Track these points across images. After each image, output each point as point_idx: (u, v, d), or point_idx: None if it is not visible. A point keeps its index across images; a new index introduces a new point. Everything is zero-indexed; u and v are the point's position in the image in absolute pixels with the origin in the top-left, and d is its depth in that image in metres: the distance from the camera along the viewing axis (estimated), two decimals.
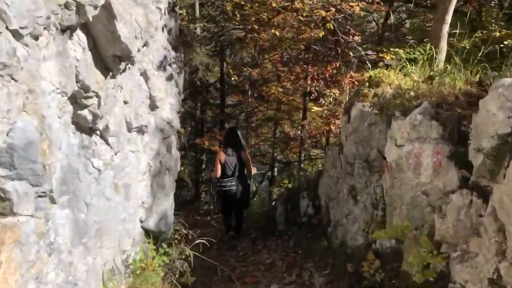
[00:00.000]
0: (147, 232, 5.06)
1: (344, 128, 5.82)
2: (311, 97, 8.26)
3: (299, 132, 17.58)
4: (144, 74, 4.57)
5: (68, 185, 3.35)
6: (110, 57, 3.65)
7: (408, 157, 4.24)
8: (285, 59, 16.53)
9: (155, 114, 4.92)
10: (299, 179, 8.54)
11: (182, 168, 9.59)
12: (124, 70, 4.04)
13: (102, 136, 4.01)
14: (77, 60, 3.33)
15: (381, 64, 6.24)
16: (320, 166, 14.23)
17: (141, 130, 4.64)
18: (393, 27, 12.16)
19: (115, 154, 4.15)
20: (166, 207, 5.25)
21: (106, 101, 3.79)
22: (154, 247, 4.95)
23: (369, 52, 10.62)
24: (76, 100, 3.54)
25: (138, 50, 3.77)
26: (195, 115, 18.00)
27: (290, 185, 18.27)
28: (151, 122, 4.84)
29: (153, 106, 4.84)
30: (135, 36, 3.61)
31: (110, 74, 3.81)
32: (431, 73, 4.89)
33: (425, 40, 6.55)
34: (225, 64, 17.55)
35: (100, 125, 3.84)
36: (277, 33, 9.49)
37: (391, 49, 8.41)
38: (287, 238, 7.36)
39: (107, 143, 4.05)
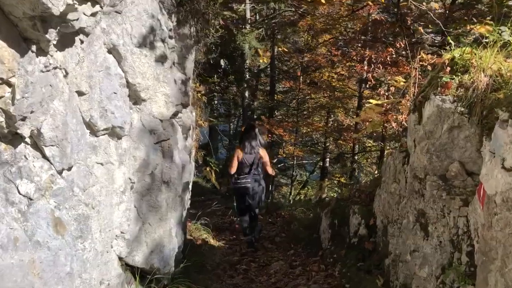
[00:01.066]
0: (132, 271, 3.56)
1: (412, 130, 4.03)
2: (369, 85, 6.44)
3: (353, 121, 16.00)
4: (114, 52, 3.00)
5: None
6: (24, 19, 2.10)
7: None
8: (340, 43, 14.91)
9: (140, 110, 3.36)
10: (350, 187, 6.76)
11: (207, 168, 8.11)
12: (69, 44, 2.48)
13: (35, 146, 2.49)
14: None
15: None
16: (375, 170, 12.34)
17: (114, 133, 3.10)
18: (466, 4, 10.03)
19: (60, 172, 2.62)
20: (162, 235, 3.71)
21: (30, 92, 2.25)
22: None
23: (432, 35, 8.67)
24: None
25: (74, 8, 2.19)
26: (242, 102, 16.49)
27: (342, 179, 16.54)
28: (133, 120, 3.29)
29: (135, 99, 3.28)
30: None
31: (34, 48, 2.26)
32: None
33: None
34: (276, 49, 15.98)
35: (25, 129, 2.32)
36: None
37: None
38: (332, 261, 5.67)
39: (44, 156, 2.52)
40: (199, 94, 5.40)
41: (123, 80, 3.08)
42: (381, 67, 8.94)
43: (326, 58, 16.25)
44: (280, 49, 17.14)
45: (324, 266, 5.66)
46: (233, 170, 6.57)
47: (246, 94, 15.99)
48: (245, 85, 13.94)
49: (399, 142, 8.89)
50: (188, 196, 5.33)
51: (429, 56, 4.53)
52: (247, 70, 15.37)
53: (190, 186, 5.82)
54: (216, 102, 13.76)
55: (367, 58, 11.33)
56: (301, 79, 16.94)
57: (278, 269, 5.82)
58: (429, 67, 4.35)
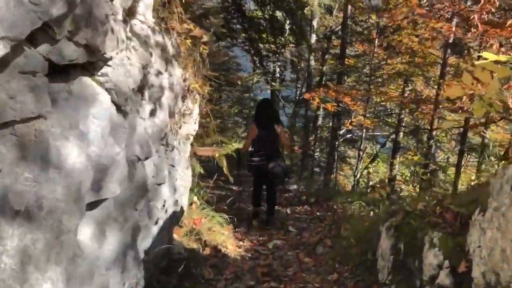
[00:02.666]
0: None
1: None
2: (471, 30, 3.90)
3: (433, 92, 13.23)
4: None
5: None
6: None
7: None
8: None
9: None
10: (427, 198, 4.27)
11: (216, 154, 5.93)
12: None
13: None
14: None
15: None
16: (455, 146, 9.68)
17: None
18: None
19: None
20: None
21: None
22: None
23: None
24: None
25: None
26: (308, 66, 14.14)
27: (416, 157, 13.89)
28: None
29: None
30: None
31: None
32: None
33: None
34: (349, 7, 13.46)
35: None
36: None
37: None
38: None
39: None
40: (188, 41, 3.20)
41: None
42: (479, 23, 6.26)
43: (407, 18, 13.71)
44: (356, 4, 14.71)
45: None
46: (246, 147, 6.10)
47: (312, 57, 13.62)
48: (308, 45, 11.43)
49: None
50: (156, 203, 3.21)
51: None
52: (314, 29, 12.93)
53: (173, 188, 3.73)
54: (272, 64, 11.34)
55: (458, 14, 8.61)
56: (376, 42, 14.40)
57: None
58: None
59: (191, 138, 3.89)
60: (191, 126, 3.70)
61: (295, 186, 8.32)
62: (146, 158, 2.72)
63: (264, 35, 9.65)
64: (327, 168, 14.54)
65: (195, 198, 5.49)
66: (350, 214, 6.10)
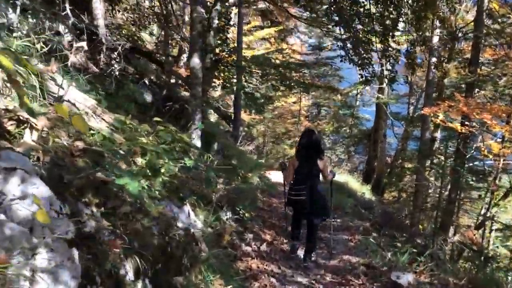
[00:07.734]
0: None
1: None
2: None
3: None
4: None
5: None
6: None
7: None
8: None
9: None
10: None
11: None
12: None
13: None
14: None
15: None
16: None
17: None
18: None
19: None
20: None
21: None
22: None
23: None
24: None
25: None
26: (427, 74, 9.79)
27: None
28: None
29: None
30: None
31: None
32: None
33: None
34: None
35: None
36: None
37: None
38: None
39: None
40: None
41: None
42: None
43: None
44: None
45: None
46: (289, 178, 5.16)
47: (433, 60, 9.21)
48: (434, 18, 7.08)
49: None
50: None
51: None
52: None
53: None
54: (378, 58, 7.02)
55: None
56: None
57: None
58: None
59: None
60: None
61: (409, 278, 3.72)
62: None
63: (362, 9, 5.62)
64: (446, 208, 9.95)
65: None
66: None
